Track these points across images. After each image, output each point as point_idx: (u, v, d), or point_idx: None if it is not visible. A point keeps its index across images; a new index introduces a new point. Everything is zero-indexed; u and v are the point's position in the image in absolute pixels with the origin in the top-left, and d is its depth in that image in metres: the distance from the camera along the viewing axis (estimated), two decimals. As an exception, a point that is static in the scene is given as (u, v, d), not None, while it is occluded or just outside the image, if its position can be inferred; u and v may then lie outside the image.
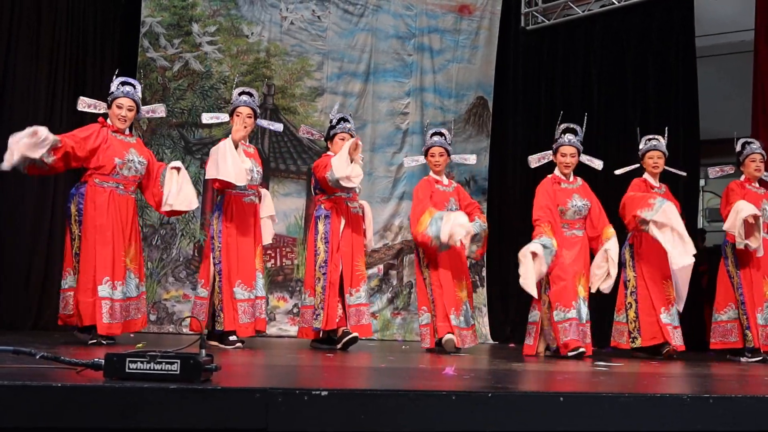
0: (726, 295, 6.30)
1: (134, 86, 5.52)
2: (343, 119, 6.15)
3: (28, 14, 7.57)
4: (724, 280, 6.33)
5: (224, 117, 5.89)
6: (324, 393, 2.28)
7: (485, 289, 9.19)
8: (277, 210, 8.72)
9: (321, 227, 5.96)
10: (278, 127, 6.39)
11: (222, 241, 5.66)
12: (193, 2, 8.51)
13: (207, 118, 6.01)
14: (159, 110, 5.81)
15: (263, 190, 6.05)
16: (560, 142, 6.15)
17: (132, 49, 8.34)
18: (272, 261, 8.54)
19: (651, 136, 6.56)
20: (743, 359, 6.06)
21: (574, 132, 6.15)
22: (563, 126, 6.22)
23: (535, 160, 6.31)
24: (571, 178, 6.18)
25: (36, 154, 4.96)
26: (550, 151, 6.24)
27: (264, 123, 6.22)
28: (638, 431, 2.53)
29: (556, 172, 6.18)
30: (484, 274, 9.19)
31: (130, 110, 5.42)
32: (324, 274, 5.84)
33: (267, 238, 6.01)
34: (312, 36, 8.86)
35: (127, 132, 5.52)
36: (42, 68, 7.62)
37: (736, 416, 2.61)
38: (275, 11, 8.76)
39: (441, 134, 6.22)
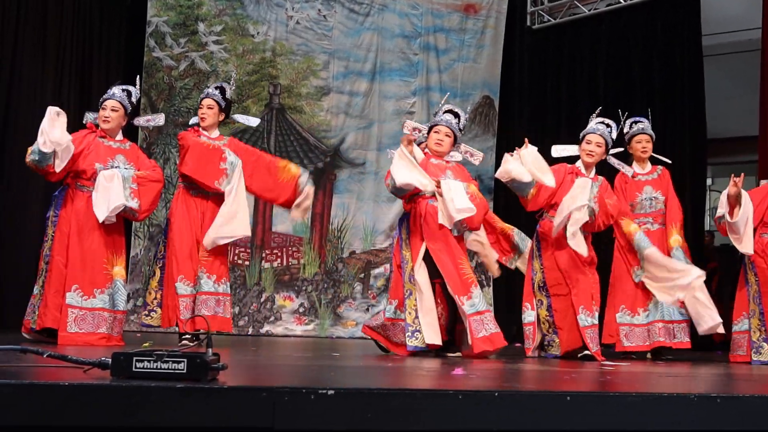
0: (741, 305, 5.99)
1: (128, 91, 5.43)
2: (449, 111, 5.49)
3: (34, 15, 7.59)
4: (742, 289, 6.01)
5: (159, 119, 5.79)
6: (330, 392, 2.28)
7: (491, 288, 9.17)
8: (284, 209, 8.77)
9: (403, 232, 5.35)
10: (254, 122, 6.09)
11: (167, 235, 5.54)
12: (199, 2, 8.53)
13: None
14: (158, 119, 5.76)
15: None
16: (587, 130, 5.70)
17: (138, 49, 8.36)
18: (278, 260, 8.55)
19: (636, 119, 6.26)
20: None
21: (604, 123, 5.72)
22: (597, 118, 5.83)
23: (558, 150, 5.79)
24: (592, 174, 5.64)
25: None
26: (576, 146, 5.76)
27: (240, 118, 6.04)
28: (646, 431, 2.52)
29: (578, 163, 5.69)
30: (489, 273, 9.18)
31: (113, 110, 5.31)
32: (413, 284, 5.21)
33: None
34: (318, 35, 8.86)
35: (119, 137, 5.41)
36: (48, 69, 7.65)
37: (744, 416, 2.60)
38: (281, 10, 8.77)
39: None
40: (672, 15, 8.67)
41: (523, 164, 5.43)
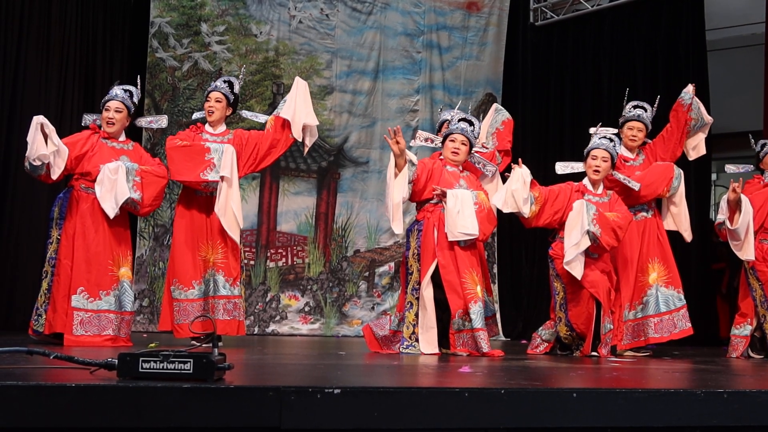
0: (745, 310, 5.98)
1: (130, 92, 5.41)
2: (464, 119, 5.41)
3: (38, 17, 7.61)
4: (746, 297, 5.99)
5: (162, 120, 5.72)
6: (337, 391, 2.29)
7: (497, 285, 9.17)
8: (288, 209, 8.79)
9: (413, 242, 5.29)
10: (263, 118, 5.75)
11: (172, 236, 5.51)
12: (202, 2, 8.53)
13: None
14: (161, 121, 5.71)
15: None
16: (591, 145, 5.60)
17: (141, 50, 8.37)
18: (283, 260, 8.56)
19: (637, 103, 6.10)
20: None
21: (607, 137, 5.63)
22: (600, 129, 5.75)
23: (562, 167, 5.71)
24: (600, 190, 5.58)
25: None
26: (581, 163, 5.67)
27: (248, 114, 5.94)
28: (652, 427, 2.52)
29: (584, 180, 5.60)
30: (495, 270, 9.18)
31: (117, 111, 5.30)
32: (417, 298, 5.19)
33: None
34: (321, 34, 8.86)
35: (122, 138, 5.40)
36: (52, 71, 7.67)
37: (750, 411, 2.59)
38: (284, 10, 8.77)
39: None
40: (675, 10, 8.64)
41: (510, 182, 5.38)
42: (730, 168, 6.20)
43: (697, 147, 6.20)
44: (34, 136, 4.93)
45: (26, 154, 5.01)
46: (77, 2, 7.91)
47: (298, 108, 5.51)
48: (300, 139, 5.55)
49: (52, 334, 5.14)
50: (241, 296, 5.46)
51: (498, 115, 5.99)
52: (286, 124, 5.50)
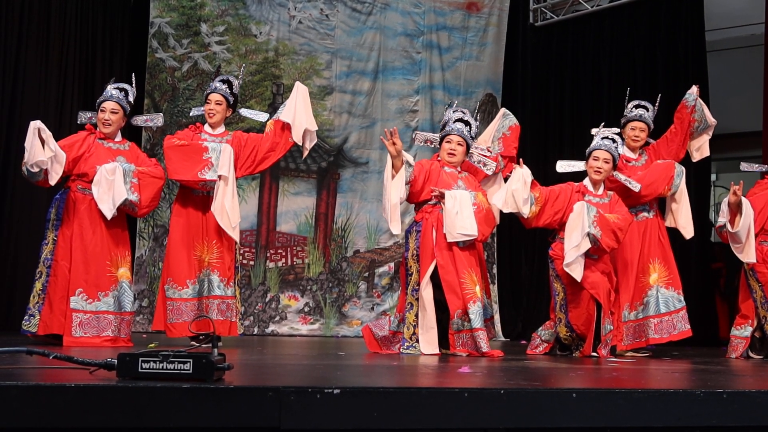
0: (746, 312, 5.99)
1: (126, 91, 5.39)
2: (460, 120, 5.40)
3: (38, 17, 7.60)
4: (747, 299, 6.01)
5: (158, 119, 5.68)
6: (336, 391, 2.29)
7: (496, 286, 9.17)
8: (288, 209, 8.79)
9: (411, 242, 5.30)
10: (263, 116, 5.79)
11: (168, 235, 5.50)
12: (202, 2, 8.53)
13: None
14: (157, 119, 5.68)
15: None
16: (594, 146, 5.59)
17: (141, 50, 8.36)
18: (283, 260, 8.56)
19: (639, 102, 6.11)
20: None
21: (610, 137, 5.61)
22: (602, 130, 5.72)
23: (563, 166, 5.70)
24: (600, 191, 5.56)
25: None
26: (582, 162, 5.65)
27: (247, 113, 5.90)
28: (652, 427, 2.52)
29: (585, 181, 5.59)
30: (494, 271, 9.18)
31: (113, 113, 5.28)
32: (416, 299, 5.20)
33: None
34: (320, 35, 8.86)
35: (118, 138, 5.39)
36: (52, 71, 7.66)
37: (750, 411, 2.60)
38: (283, 10, 8.77)
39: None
40: (675, 10, 8.64)
41: (511, 182, 5.38)
42: (744, 166, 6.21)
43: (701, 149, 6.21)
44: (31, 142, 4.91)
45: (24, 160, 4.99)
46: (77, 2, 7.90)
47: (299, 112, 5.51)
48: (300, 143, 5.55)
49: (51, 334, 5.14)
50: (235, 297, 5.44)
51: (505, 120, 5.97)
52: (286, 127, 5.49)
